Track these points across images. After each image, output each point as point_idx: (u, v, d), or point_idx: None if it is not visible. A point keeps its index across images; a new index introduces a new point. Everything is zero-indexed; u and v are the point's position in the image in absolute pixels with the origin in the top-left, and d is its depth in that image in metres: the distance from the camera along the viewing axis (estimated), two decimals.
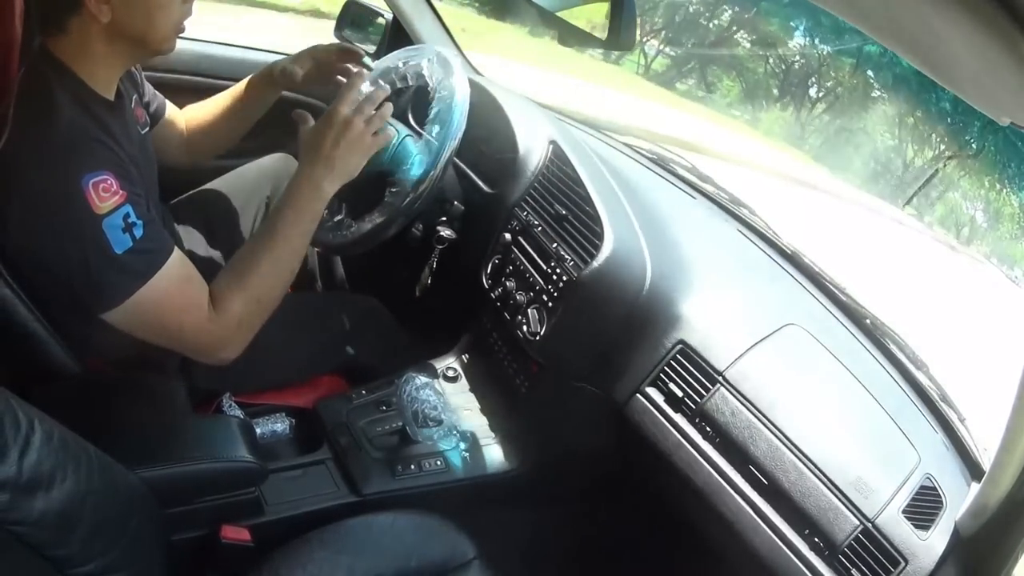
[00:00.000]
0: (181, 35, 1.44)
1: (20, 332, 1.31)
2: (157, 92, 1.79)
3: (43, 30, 1.32)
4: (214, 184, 2.07)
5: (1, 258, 1.25)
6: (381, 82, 1.86)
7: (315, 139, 1.52)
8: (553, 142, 1.86)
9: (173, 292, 1.35)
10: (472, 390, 1.94)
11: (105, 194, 1.24)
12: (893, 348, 1.65)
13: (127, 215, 1.27)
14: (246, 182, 2.10)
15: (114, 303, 1.30)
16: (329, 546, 1.40)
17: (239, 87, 1.87)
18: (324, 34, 2.61)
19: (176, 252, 1.38)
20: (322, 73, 1.81)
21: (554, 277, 1.63)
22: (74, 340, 1.39)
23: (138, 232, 1.29)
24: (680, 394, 1.51)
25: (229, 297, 1.43)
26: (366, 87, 1.87)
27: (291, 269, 1.51)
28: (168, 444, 1.33)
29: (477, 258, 1.86)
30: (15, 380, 1.26)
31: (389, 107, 1.57)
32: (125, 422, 1.34)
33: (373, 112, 1.53)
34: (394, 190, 1.67)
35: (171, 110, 1.85)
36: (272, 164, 2.16)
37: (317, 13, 8.95)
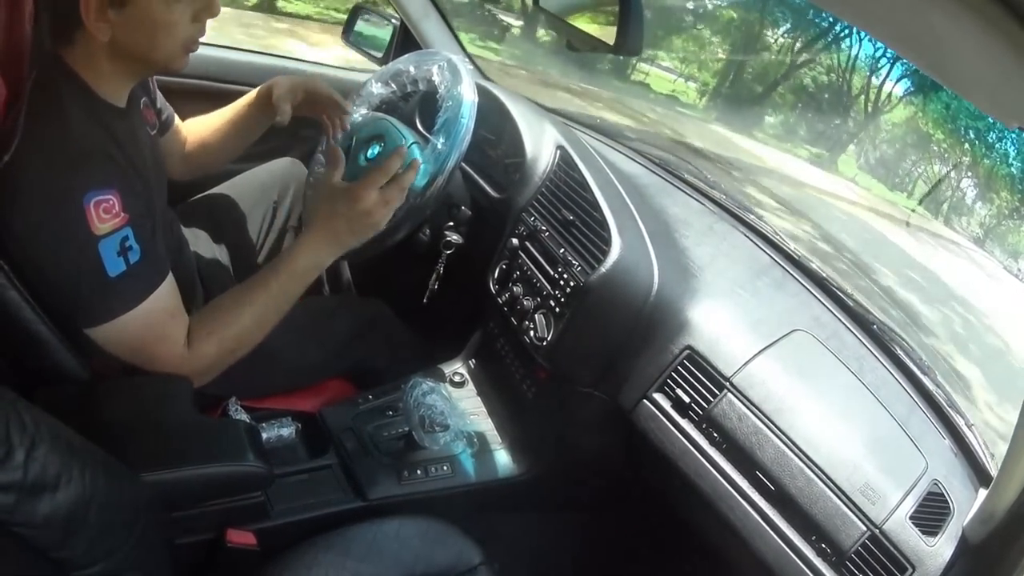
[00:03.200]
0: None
1: (26, 335, 1.31)
2: (167, 102, 1.78)
3: (53, 40, 1.32)
4: (222, 188, 2.07)
5: (8, 261, 1.26)
6: (392, 84, 1.87)
7: (331, 215, 1.48)
8: (560, 147, 1.86)
9: (154, 323, 1.36)
10: (479, 395, 1.94)
11: (106, 215, 1.24)
12: (900, 354, 1.65)
13: (125, 238, 1.27)
14: (254, 186, 2.11)
15: (97, 322, 1.30)
16: (334, 551, 1.40)
17: (236, 107, 1.87)
18: None
19: (166, 283, 1.38)
20: (312, 109, 1.82)
21: (561, 282, 1.63)
22: (80, 343, 1.40)
23: (133, 257, 1.28)
24: (687, 400, 1.50)
25: (205, 341, 1.43)
26: (377, 87, 1.88)
27: (271, 324, 1.50)
28: (174, 448, 1.33)
29: (484, 263, 1.87)
30: (21, 382, 1.26)
31: (410, 176, 1.51)
32: (131, 425, 1.34)
33: (395, 192, 1.49)
34: None
35: (176, 122, 1.85)
36: (280, 168, 2.17)
37: None
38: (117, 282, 1.27)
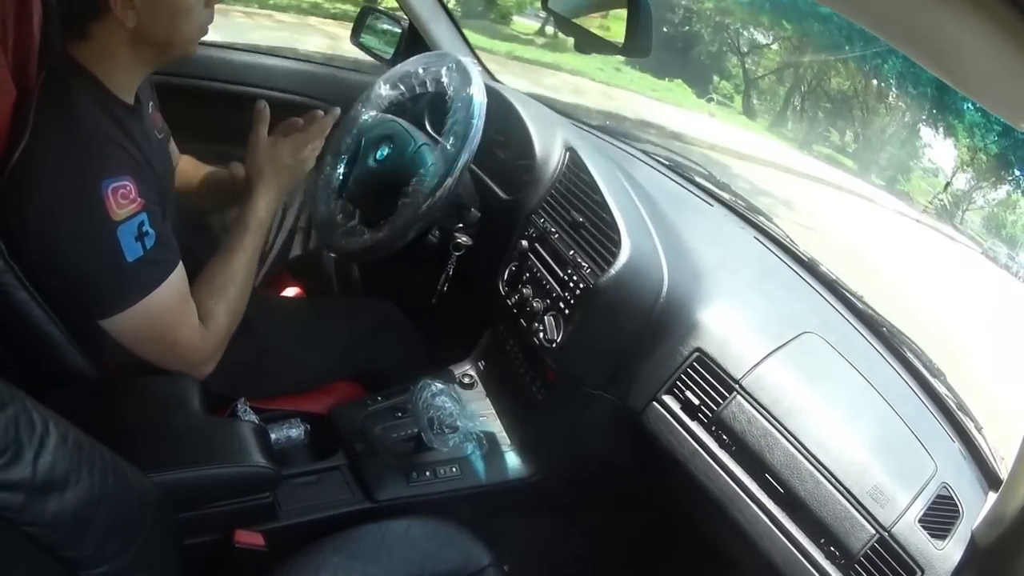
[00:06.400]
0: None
1: (36, 335, 1.32)
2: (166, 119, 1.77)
3: (66, 36, 1.34)
4: None
5: (19, 261, 1.26)
6: (401, 86, 1.87)
7: (278, 169, 1.61)
8: (570, 149, 1.85)
9: (172, 306, 1.38)
10: (488, 397, 1.94)
11: (123, 200, 1.26)
12: (910, 356, 1.64)
13: (141, 223, 1.29)
14: None
15: (116, 310, 1.32)
16: (342, 552, 1.40)
17: (218, 175, 1.90)
18: None
19: (179, 268, 1.40)
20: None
21: (571, 284, 1.63)
22: (90, 343, 1.40)
23: (149, 242, 1.30)
24: (696, 402, 1.50)
25: (214, 309, 1.47)
26: (385, 89, 1.88)
27: (253, 278, 1.57)
28: (182, 448, 1.34)
29: (494, 265, 1.86)
30: (31, 382, 1.27)
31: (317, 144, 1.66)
32: (140, 425, 1.35)
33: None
34: (407, 199, 1.67)
35: (172, 147, 1.81)
36: None
37: None
38: (135, 267, 1.29)
